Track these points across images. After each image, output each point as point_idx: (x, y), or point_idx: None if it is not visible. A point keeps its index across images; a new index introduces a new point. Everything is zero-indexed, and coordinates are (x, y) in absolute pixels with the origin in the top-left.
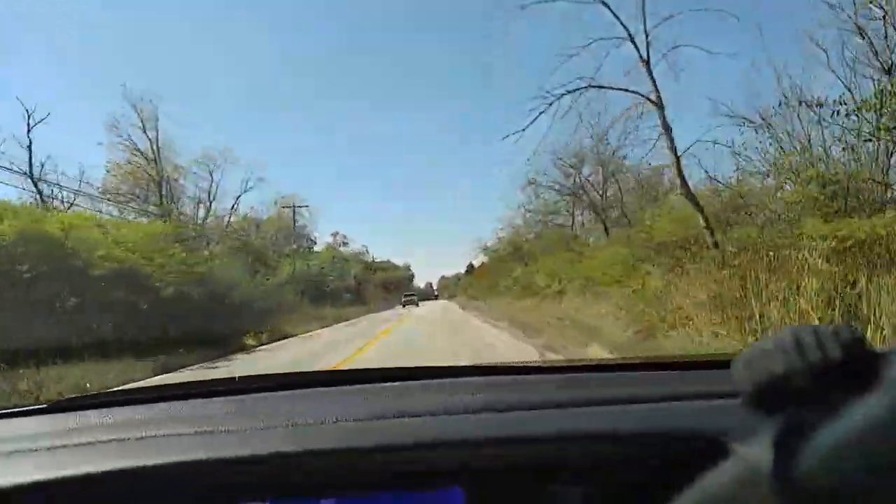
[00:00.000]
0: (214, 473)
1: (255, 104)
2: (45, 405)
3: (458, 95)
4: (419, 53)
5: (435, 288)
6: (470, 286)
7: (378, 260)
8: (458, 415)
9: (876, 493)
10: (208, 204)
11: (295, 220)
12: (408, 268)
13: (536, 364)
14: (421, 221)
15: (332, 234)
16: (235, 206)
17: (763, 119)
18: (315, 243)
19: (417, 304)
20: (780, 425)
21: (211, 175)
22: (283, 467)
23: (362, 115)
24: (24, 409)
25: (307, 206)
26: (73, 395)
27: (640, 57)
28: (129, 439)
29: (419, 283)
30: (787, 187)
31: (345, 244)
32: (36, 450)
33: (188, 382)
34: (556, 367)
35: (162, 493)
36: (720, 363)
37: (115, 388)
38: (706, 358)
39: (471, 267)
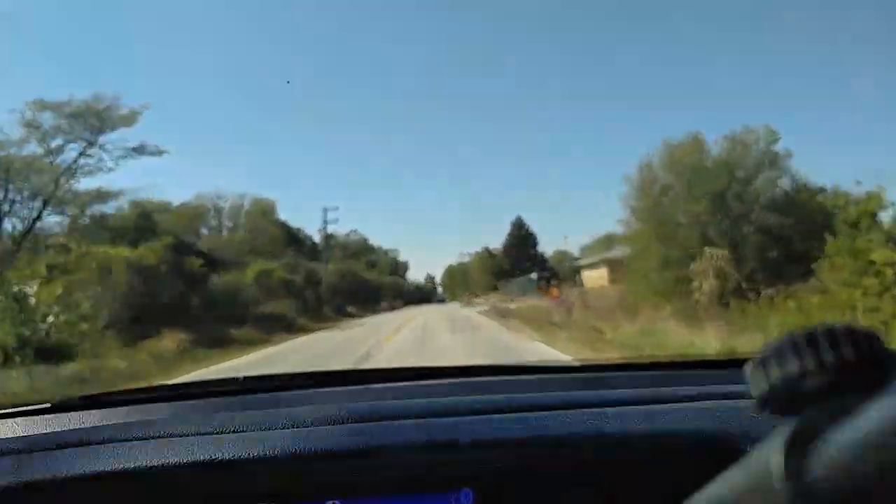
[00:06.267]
0: (220, 475)
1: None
2: (52, 404)
3: None
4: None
5: (437, 283)
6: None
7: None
8: (467, 415)
9: (890, 496)
10: None
11: None
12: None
13: (547, 364)
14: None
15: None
16: None
17: None
18: None
19: None
20: (793, 427)
21: None
22: (290, 469)
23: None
24: (31, 408)
25: None
26: (83, 394)
27: None
28: (136, 439)
29: (417, 275)
30: None
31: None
32: (45, 449)
33: (194, 382)
34: (567, 368)
35: (169, 494)
36: (734, 363)
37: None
38: (720, 358)
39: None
